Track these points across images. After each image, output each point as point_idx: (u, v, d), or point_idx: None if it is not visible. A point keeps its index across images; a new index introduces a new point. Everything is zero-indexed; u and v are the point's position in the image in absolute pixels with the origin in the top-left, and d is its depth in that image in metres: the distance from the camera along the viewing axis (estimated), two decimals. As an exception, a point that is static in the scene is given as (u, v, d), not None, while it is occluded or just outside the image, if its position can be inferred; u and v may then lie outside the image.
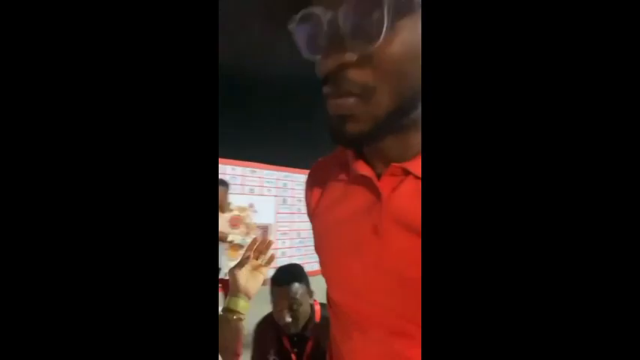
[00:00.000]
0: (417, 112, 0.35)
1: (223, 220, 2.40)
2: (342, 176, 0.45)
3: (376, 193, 0.39)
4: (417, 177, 0.37)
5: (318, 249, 0.49)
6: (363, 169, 0.40)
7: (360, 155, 0.42)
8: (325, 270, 0.47)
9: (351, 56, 0.30)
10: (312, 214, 0.50)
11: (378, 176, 0.39)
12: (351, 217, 0.42)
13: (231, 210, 2.47)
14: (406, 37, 0.30)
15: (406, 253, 0.36)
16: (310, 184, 0.52)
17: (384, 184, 0.39)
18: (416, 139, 0.37)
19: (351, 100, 0.32)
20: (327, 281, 0.48)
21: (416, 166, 0.37)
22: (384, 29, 0.28)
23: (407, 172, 0.38)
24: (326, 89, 0.33)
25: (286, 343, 1.30)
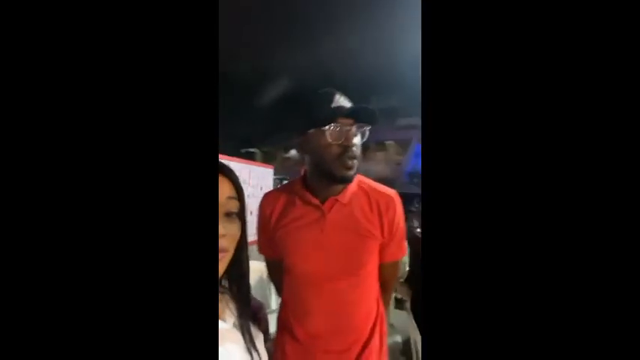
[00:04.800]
0: None
1: None
2: (298, 202, 0.82)
3: (321, 211, 0.79)
4: (342, 203, 0.79)
5: (281, 248, 0.83)
6: (313, 199, 0.80)
7: (307, 190, 0.82)
8: (289, 258, 0.82)
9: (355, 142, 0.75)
10: (273, 227, 0.84)
11: (322, 202, 0.79)
12: (307, 225, 0.80)
13: None
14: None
15: (340, 239, 0.78)
16: (267, 208, 0.86)
17: (326, 207, 0.79)
18: (341, 185, 0.79)
19: (355, 162, 0.74)
20: (289, 266, 0.83)
21: (343, 197, 0.79)
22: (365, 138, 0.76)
23: (337, 200, 0.79)
24: (344, 154, 0.72)
25: None
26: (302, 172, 0.84)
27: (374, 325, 0.83)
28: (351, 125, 0.72)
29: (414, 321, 1.72)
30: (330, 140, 0.71)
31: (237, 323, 0.51)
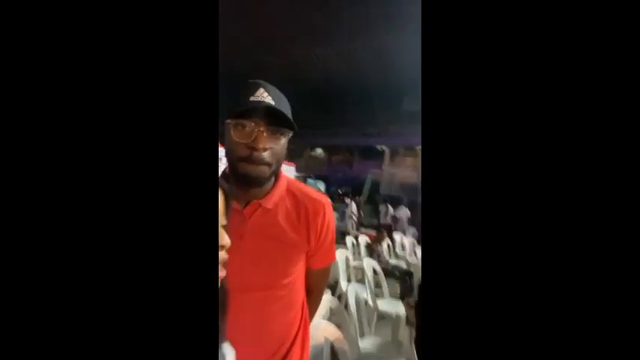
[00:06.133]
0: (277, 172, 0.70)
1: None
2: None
3: (242, 216, 0.70)
4: (265, 208, 0.70)
5: None
6: (234, 203, 0.66)
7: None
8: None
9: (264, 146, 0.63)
10: None
11: (244, 206, 0.70)
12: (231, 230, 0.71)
13: None
14: (284, 142, 0.66)
15: (261, 247, 0.70)
16: None
17: (247, 212, 0.70)
18: (265, 187, 0.70)
19: (264, 167, 0.64)
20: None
21: (266, 201, 0.70)
22: (284, 139, 0.66)
23: (259, 205, 0.70)
24: (244, 160, 0.64)
25: None
26: (225, 170, 0.72)
27: (296, 334, 0.77)
28: (264, 126, 0.61)
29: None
30: (233, 137, 0.62)
31: None
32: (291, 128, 0.64)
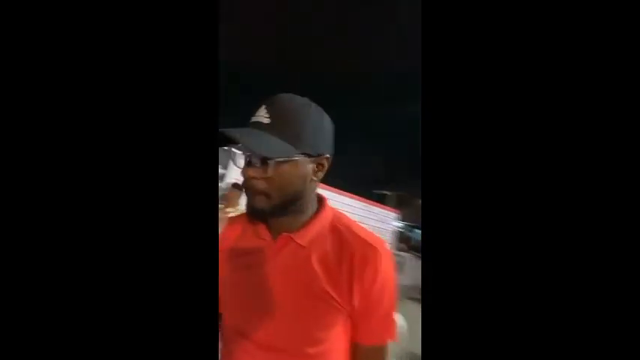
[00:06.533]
0: (300, 203, 0.56)
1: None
2: (249, 232, 0.63)
3: (271, 250, 0.57)
4: (297, 244, 0.56)
5: (221, 288, 0.58)
6: (264, 231, 0.59)
7: (264, 223, 0.61)
8: (223, 305, 0.60)
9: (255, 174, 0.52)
10: (223, 259, 0.63)
11: (275, 237, 0.58)
12: (252, 266, 0.59)
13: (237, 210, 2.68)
14: (285, 169, 0.51)
15: (288, 295, 0.54)
16: (223, 235, 0.67)
17: (278, 246, 0.57)
18: (299, 219, 0.57)
19: (260, 197, 0.53)
20: (223, 316, 0.62)
21: (299, 236, 0.56)
22: (271, 167, 0.50)
23: (291, 239, 0.56)
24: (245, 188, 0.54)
25: None
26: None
27: None
28: (251, 151, 0.50)
29: None
30: (233, 164, 0.55)
31: None
32: (255, 153, 0.49)
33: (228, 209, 2.53)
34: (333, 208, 0.61)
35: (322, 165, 0.55)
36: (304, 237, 0.55)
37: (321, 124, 0.54)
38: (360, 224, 0.60)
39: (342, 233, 0.56)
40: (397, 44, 5.83)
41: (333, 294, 0.52)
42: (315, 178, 0.55)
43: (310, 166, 0.53)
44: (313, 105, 0.54)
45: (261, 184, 0.51)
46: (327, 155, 0.55)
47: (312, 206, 0.58)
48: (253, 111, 0.53)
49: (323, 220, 0.58)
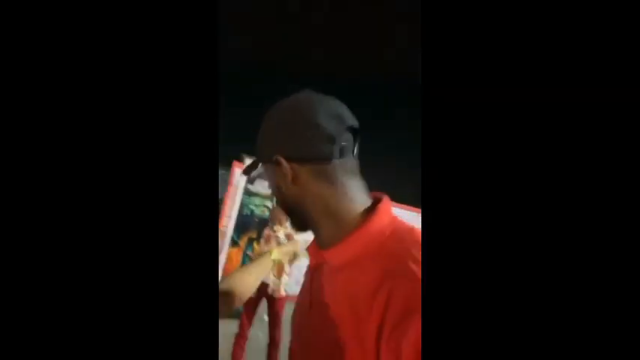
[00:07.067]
0: (307, 211, 0.46)
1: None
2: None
3: (317, 270, 0.50)
4: (330, 265, 0.46)
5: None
6: (312, 247, 0.52)
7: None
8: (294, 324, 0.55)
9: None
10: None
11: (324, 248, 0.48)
12: (304, 290, 0.54)
13: (286, 228, 2.56)
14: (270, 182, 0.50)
15: (319, 327, 0.44)
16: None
17: (310, 262, 0.51)
18: (338, 234, 0.45)
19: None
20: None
21: (332, 254, 0.45)
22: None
23: (323, 258, 0.47)
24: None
25: None
26: None
27: None
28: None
29: None
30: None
31: None
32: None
33: (275, 227, 2.48)
34: (386, 225, 0.43)
35: (281, 165, 0.43)
36: (336, 256, 0.43)
37: (285, 125, 0.44)
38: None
39: (393, 256, 0.39)
40: (398, 45, 5.83)
41: (362, 333, 0.37)
42: (290, 184, 0.44)
43: (281, 172, 0.44)
44: (286, 104, 0.45)
45: (278, 195, 0.48)
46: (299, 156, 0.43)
47: (353, 215, 0.44)
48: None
49: (363, 238, 0.42)
